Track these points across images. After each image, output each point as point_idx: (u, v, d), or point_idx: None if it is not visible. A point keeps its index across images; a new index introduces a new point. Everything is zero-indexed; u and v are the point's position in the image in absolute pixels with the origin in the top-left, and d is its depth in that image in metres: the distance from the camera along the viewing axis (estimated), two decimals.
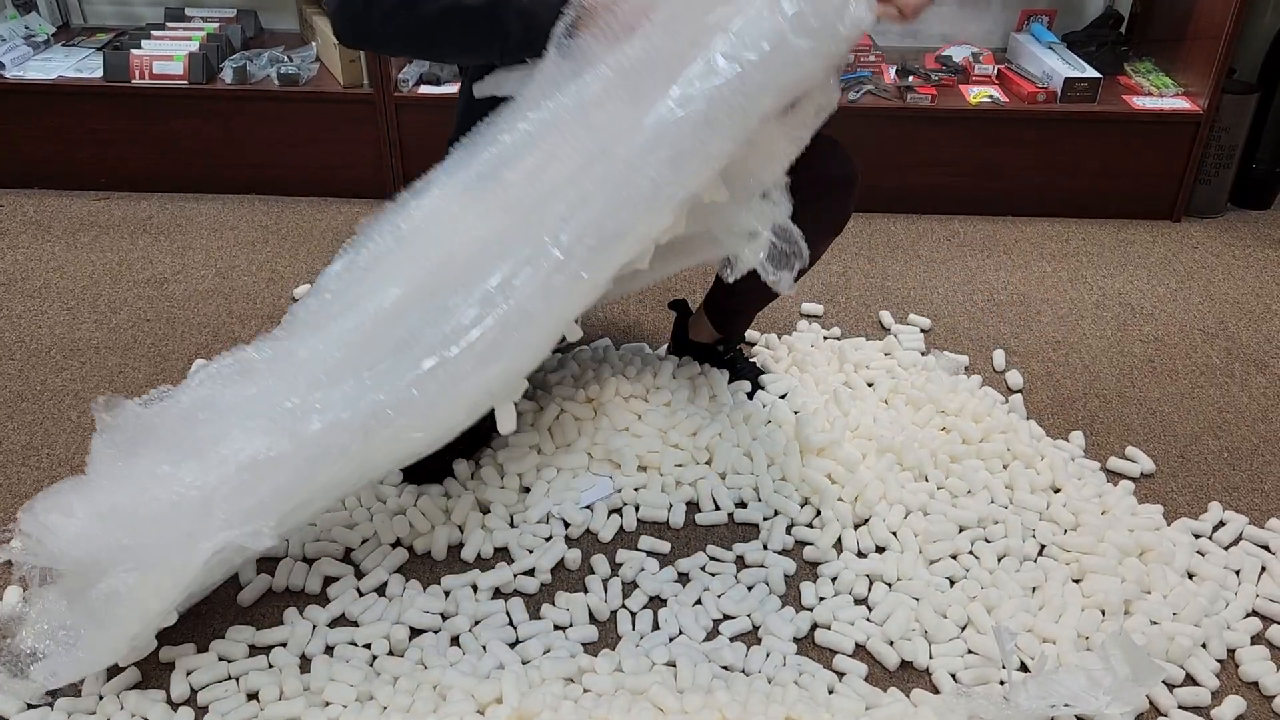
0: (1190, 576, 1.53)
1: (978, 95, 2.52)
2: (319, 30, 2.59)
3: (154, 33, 2.61)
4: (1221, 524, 1.64)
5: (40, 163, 2.56)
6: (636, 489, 1.64)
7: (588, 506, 1.60)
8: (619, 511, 1.62)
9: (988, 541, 1.56)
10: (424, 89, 2.49)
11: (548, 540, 1.55)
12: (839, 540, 1.57)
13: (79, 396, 1.87)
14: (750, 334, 2.06)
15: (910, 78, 2.56)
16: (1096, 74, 2.50)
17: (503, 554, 1.55)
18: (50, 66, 2.52)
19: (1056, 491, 1.68)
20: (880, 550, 1.56)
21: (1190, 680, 1.38)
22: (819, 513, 1.61)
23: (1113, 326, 2.17)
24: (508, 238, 1.27)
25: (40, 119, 2.50)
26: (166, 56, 2.46)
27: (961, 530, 1.58)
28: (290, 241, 2.41)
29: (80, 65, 2.53)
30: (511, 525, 1.58)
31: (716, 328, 1.86)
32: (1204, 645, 1.42)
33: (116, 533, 1.24)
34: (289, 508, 1.25)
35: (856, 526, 1.60)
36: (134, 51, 2.47)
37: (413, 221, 1.34)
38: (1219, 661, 1.41)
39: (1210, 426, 1.87)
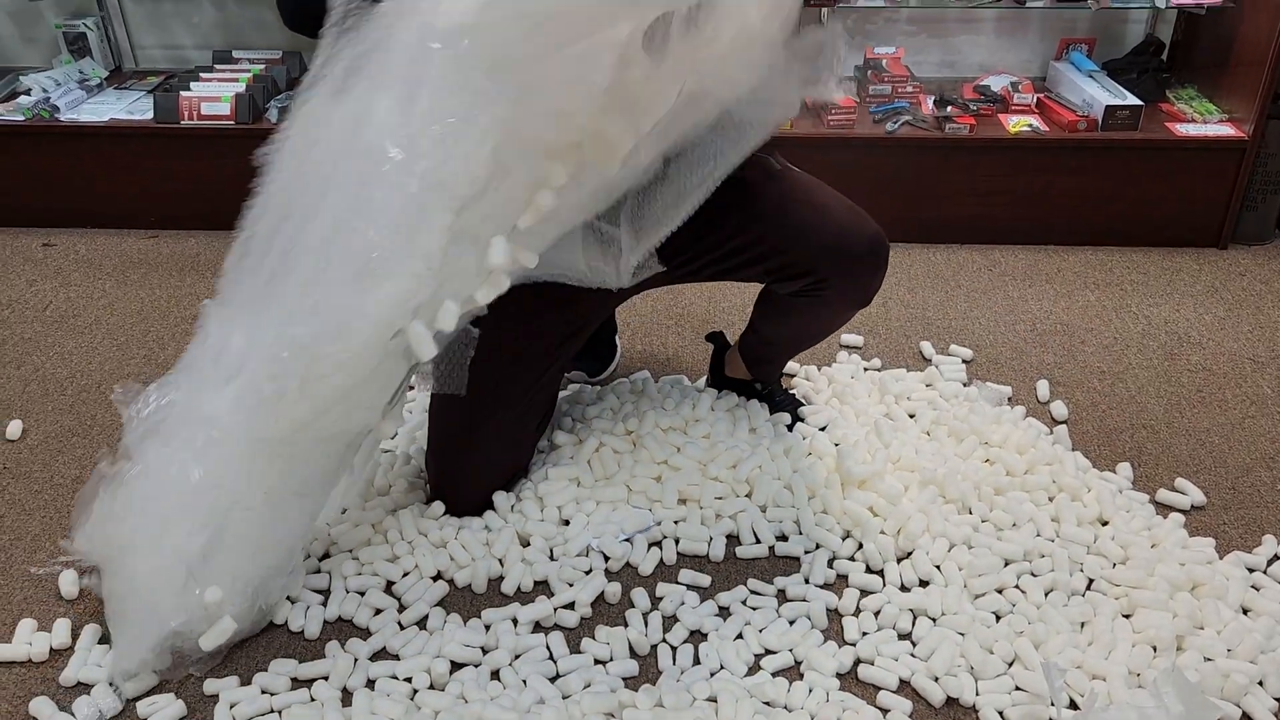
0: (1245, 612, 1.49)
1: (1017, 124, 2.51)
2: None
3: (202, 75, 2.68)
4: (1276, 557, 1.60)
5: (93, 203, 2.63)
6: (676, 522, 1.63)
7: (627, 540, 1.60)
8: (659, 545, 1.61)
9: (1034, 575, 1.54)
10: None
11: (588, 574, 1.55)
12: (882, 574, 1.55)
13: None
14: (790, 365, 2.05)
15: (949, 108, 2.55)
16: (1138, 101, 2.47)
17: (543, 587, 1.55)
18: (103, 109, 2.59)
19: (1104, 524, 1.64)
20: (924, 584, 1.54)
21: (1247, 719, 1.34)
22: (861, 546, 1.59)
23: (1159, 356, 2.13)
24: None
25: (93, 160, 2.57)
26: (214, 98, 2.53)
27: (1007, 564, 1.55)
28: None
29: (131, 107, 2.60)
30: (551, 558, 1.58)
31: (750, 371, 1.85)
32: (1260, 683, 1.38)
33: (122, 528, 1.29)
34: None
35: (899, 560, 1.58)
36: (183, 93, 2.54)
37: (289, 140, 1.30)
38: (1276, 700, 1.36)
39: (1263, 458, 1.83)
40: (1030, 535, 1.60)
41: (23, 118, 2.53)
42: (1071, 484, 1.69)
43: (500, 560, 1.57)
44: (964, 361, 2.10)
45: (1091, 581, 1.53)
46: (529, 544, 1.60)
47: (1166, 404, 1.98)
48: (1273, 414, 1.95)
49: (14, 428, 1.89)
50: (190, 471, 1.31)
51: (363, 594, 1.51)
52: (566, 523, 1.64)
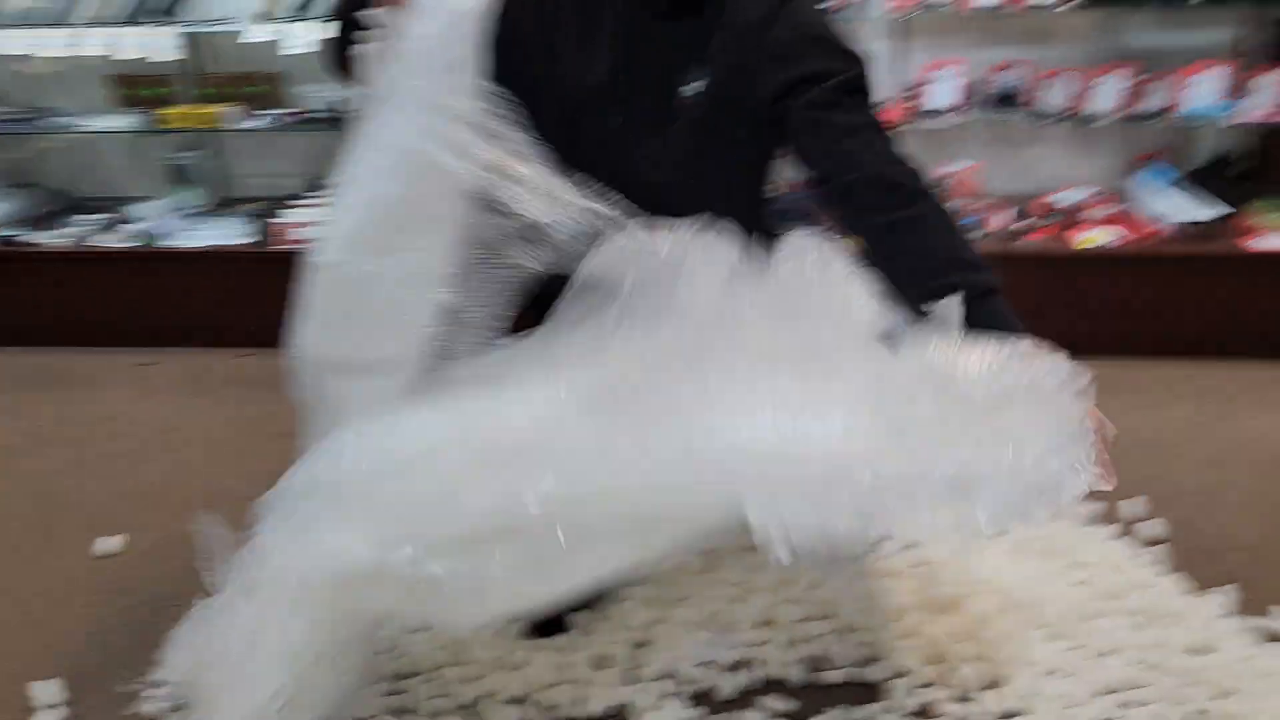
0: None
1: (1094, 238, 2.50)
2: None
3: (293, 202, 2.82)
4: None
5: (191, 323, 2.76)
6: (756, 645, 1.60)
7: (706, 663, 1.57)
8: (738, 669, 1.58)
9: (1136, 706, 1.47)
10: None
11: (666, 698, 1.53)
12: (971, 703, 1.50)
13: (222, 540, 1.95)
14: None
15: (1025, 221, 2.57)
16: (1214, 214, 2.46)
17: (621, 711, 1.53)
18: (203, 236, 2.74)
19: (1207, 653, 1.57)
20: (1014, 716, 1.48)
21: None
22: (947, 673, 1.54)
23: (1255, 475, 2.07)
24: None
25: (194, 282, 2.71)
26: (304, 223, 2.66)
27: (1104, 694, 1.49)
28: None
29: (229, 233, 2.75)
30: (630, 682, 1.56)
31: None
32: None
33: None
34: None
35: (988, 689, 1.53)
36: (279, 219, 2.68)
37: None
38: None
39: None
40: (1128, 663, 1.54)
41: (131, 245, 2.69)
42: (1170, 608, 1.63)
43: (579, 682, 1.56)
44: None
45: (1200, 715, 1.46)
46: (607, 666, 1.59)
47: (1266, 524, 1.91)
48: None
49: (113, 543, 1.96)
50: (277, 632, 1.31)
51: (439, 716, 1.51)
52: (644, 645, 1.63)
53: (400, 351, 1.37)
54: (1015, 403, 1.11)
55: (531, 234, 1.30)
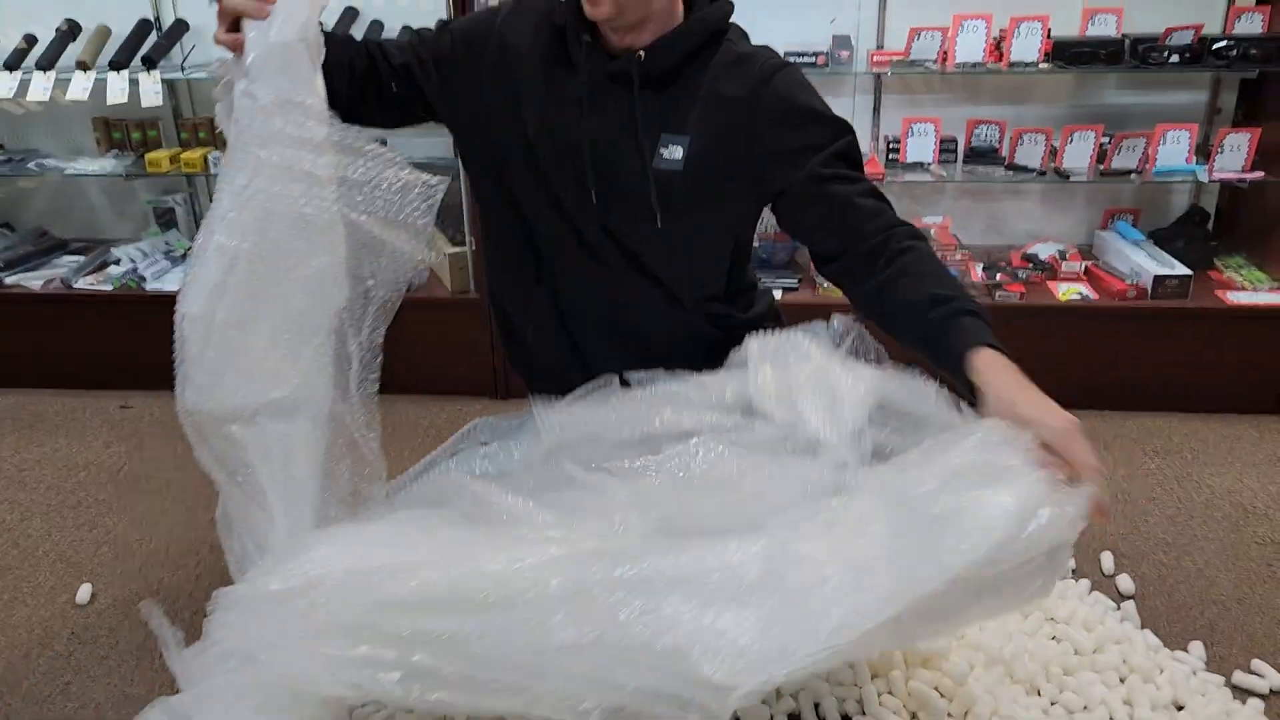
0: None
1: (1067, 292, 2.55)
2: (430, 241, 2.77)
3: None
4: None
5: (169, 366, 2.74)
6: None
7: None
8: None
9: None
10: None
11: None
12: None
13: (193, 597, 1.93)
14: None
15: (998, 275, 2.61)
16: (1186, 271, 2.51)
17: None
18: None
19: (1180, 709, 1.59)
20: None
21: None
22: None
23: (1225, 527, 2.10)
24: None
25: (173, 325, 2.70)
26: None
27: None
28: (396, 441, 2.50)
29: None
30: None
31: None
32: None
33: None
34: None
35: None
36: None
37: None
38: None
39: None
40: (1104, 719, 1.55)
41: (111, 287, 2.68)
42: (1143, 664, 1.65)
43: None
44: None
45: None
46: None
47: (1236, 579, 1.93)
48: None
49: (83, 592, 1.94)
50: None
51: None
52: None
53: (290, 394, 1.37)
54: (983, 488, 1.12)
55: (378, 244, 1.36)
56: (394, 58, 1.52)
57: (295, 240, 1.31)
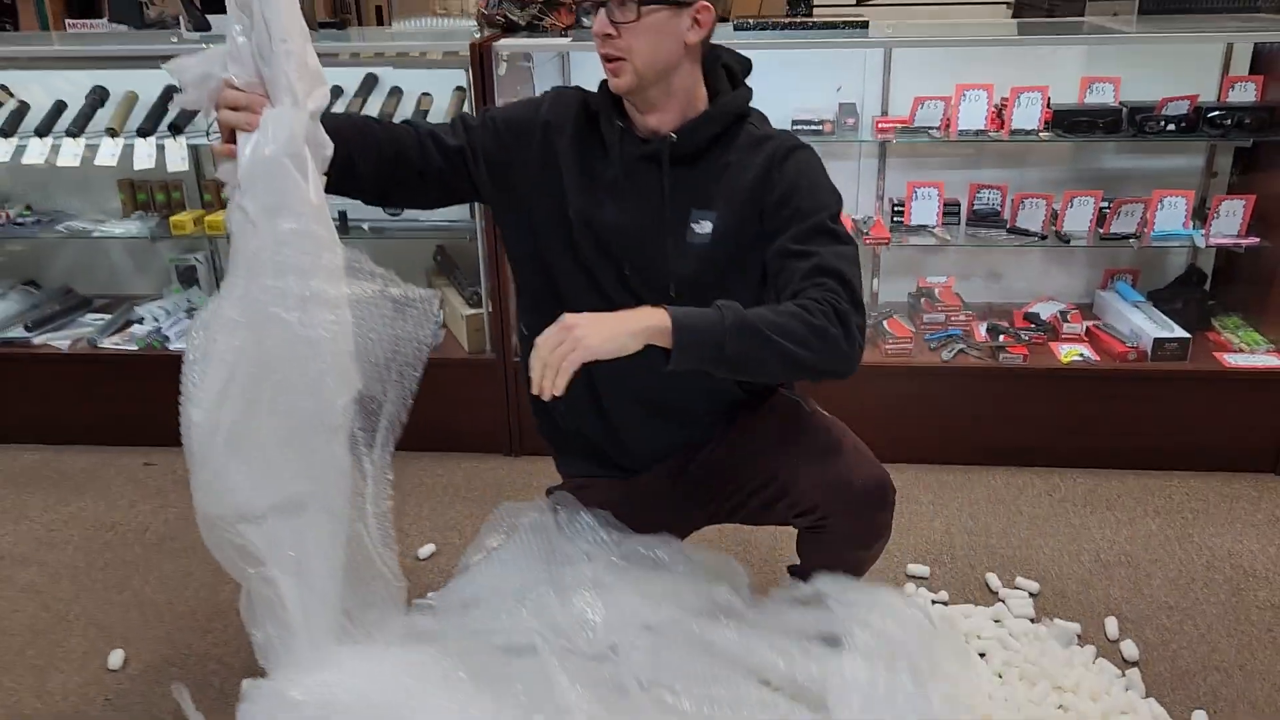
0: None
1: (1068, 354, 2.62)
2: (446, 299, 2.84)
3: None
4: None
5: None
6: None
7: None
8: None
9: None
10: None
11: None
12: None
13: (221, 662, 1.99)
14: None
15: (1001, 337, 2.68)
16: (1185, 334, 2.58)
17: None
18: None
19: None
20: None
21: None
22: None
23: (1226, 591, 2.15)
24: None
25: None
26: None
27: None
28: (415, 498, 2.56)
29: None
30: None
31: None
32: None
33: None
34: None
35: None
36: None
37: None
38: None
39: None
40: None
41: (136, 347, 2.75)
42: None
43: None
44: (1030, 595, 2.14)
45: None
46: None
47: (1238, 644, 1.99)
48: None
49: (115, 657, 1.99)
50: None
51: None
52: None
53: (301, 491, 1.44)
54: None
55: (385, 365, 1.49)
56: (447, 140, 1.62)
57: (294, 347, 1.38)
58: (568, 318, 1.37)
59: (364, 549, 1.55)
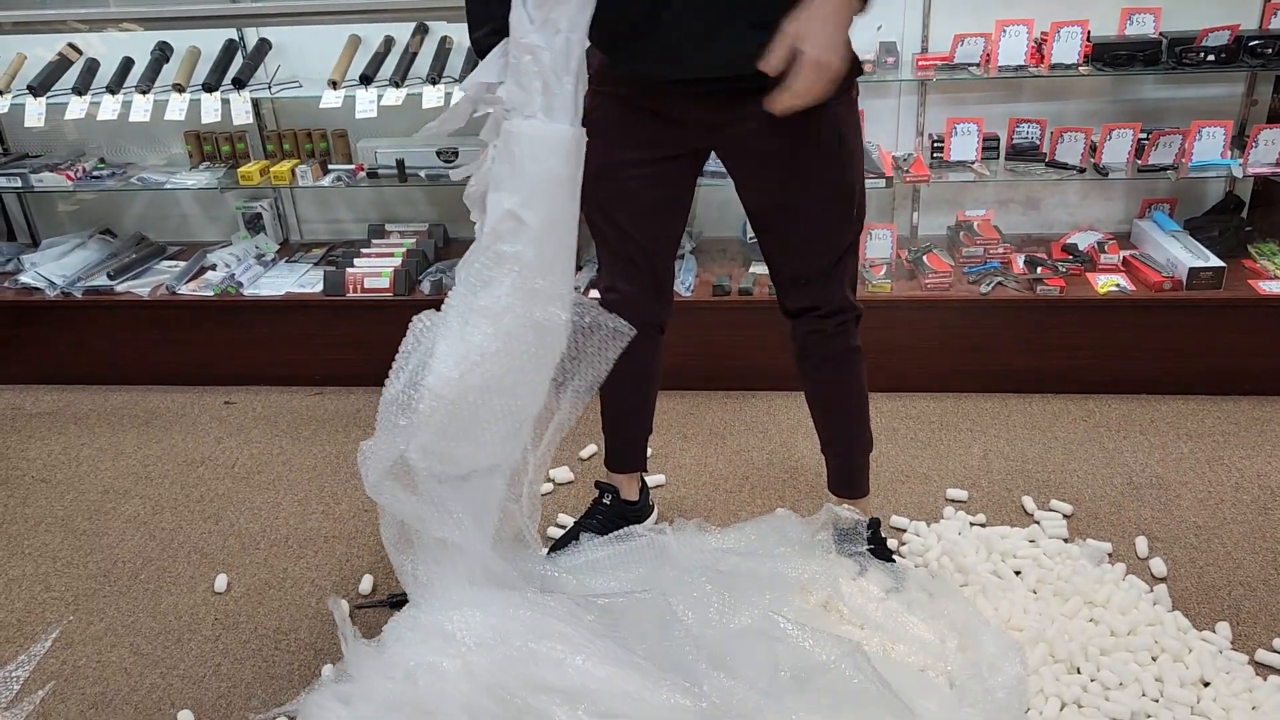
0: None
1: (1105, 285, 2.70)
2: None
3: (363, 250, 3.03)
4: None
5: (267, 364, 2.98)
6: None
7: None
8: None
9: None
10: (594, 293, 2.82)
11: None
12: None
13: (315, 584, 2.17)
14: (899, 520, 2.24)
15: (1039, 269, 2.76)
16: (1220, 263, 2.64)
17: None
18: (278, 283, 2.96)
19: (1206, 685, 1.78)
20: None
21: None
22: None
23: (1253, 510, 2.26)
24: None
25: (270, 328, 2.93)
26: (375, 273, 2.87)
27: None
28: None
29: (302, 280, 2.96)
30: None
31: (849, 494, 2.07)
32: None
33: None
34: None
35: None
36: (349, 270, 2.89)
37: None
38: None
39: None
40: (1136, 696, 1.74)
41: (212, 293, 2.91)
42: (1173, 645, 1.83)
43: None
44: (1064, 517, 2.26)
45: None
46: None
47: (1262, 561, 2.11)
48: None
49: (220, 581, 2.18)
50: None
51: None
52: None
53: (500, 459, 1.65)
54: None
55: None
56: None
57: (540, 339, 1.59)
58: (797, 31, 1.39)
59: (512, 518, 1.77)
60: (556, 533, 2.28)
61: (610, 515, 2.16)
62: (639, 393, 2.02)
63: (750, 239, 2.99)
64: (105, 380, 3.06)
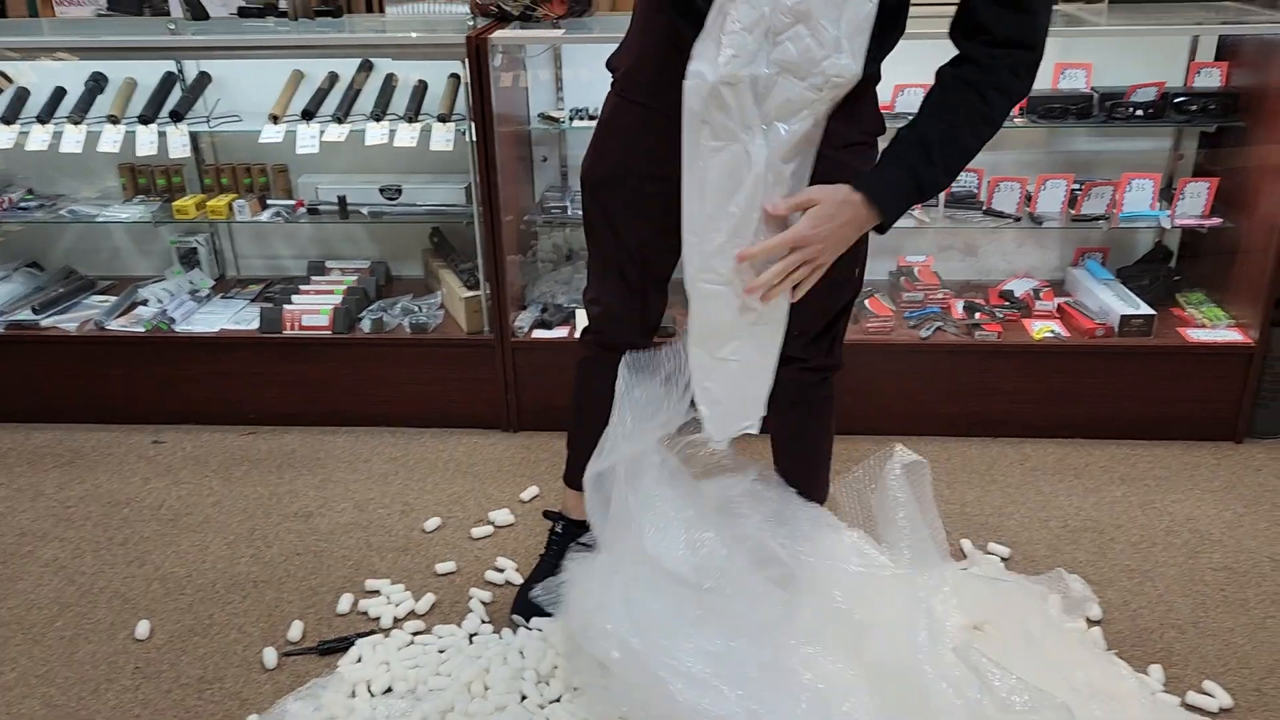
0: None
1: (1041, 330, 2.75)
2: (443, 281, 2.94)
3: (302, 287, 2.98)
4: None
5: (199, 402, 2.90)
6: None
7: None
8: None
9: None
10: (537, 333, 2.81)
11: None
12: None
13: (243, 631, 2.10)
14: None
15: (977, 314, 2.80)
16: (1150, 310, 2.71)
17: None
18: (213, 319, 2.89)
19: None
20: None
21: None
22: None
23: (1184, 554, 2.30)
24: None
25: (203, 365, 2.86)
26: (313, 310, 2.82)
27: None
28: (419, 473, 2.67)
29: (238, 317, 2.90)
30: None
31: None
32: None
33: None
34: None
35: None
36: (286, 307, 2.83)
37: None
38: None
39: None
40: None
41: (143, 329, 2.83)
42: (1110, 685, 1.84)
43: None
44: (1002, 560, 2.28)
45: None
46: None
47: (1192, 604, 2.14)
48: None
49: (142, 628, 2.10)
50: None
51: None
52: None
53: None
54: None
55: None
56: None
57: None
58: (805, 235, 1.48)
59: None
60: (494, 576, 2.24)
61: (564, 542, 2.15)
62: (607, 413, 1.96)
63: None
64: (27, 418, 2.96)
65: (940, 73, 1.53)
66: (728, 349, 1.66)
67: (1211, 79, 2.79)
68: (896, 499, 1.94)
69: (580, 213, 2.85)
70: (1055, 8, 2.84)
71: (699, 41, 1.48)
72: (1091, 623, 2.08)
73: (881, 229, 1.55)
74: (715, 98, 1.46)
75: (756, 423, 1.74)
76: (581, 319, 2.78)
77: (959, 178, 2.82)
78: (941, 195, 2.87)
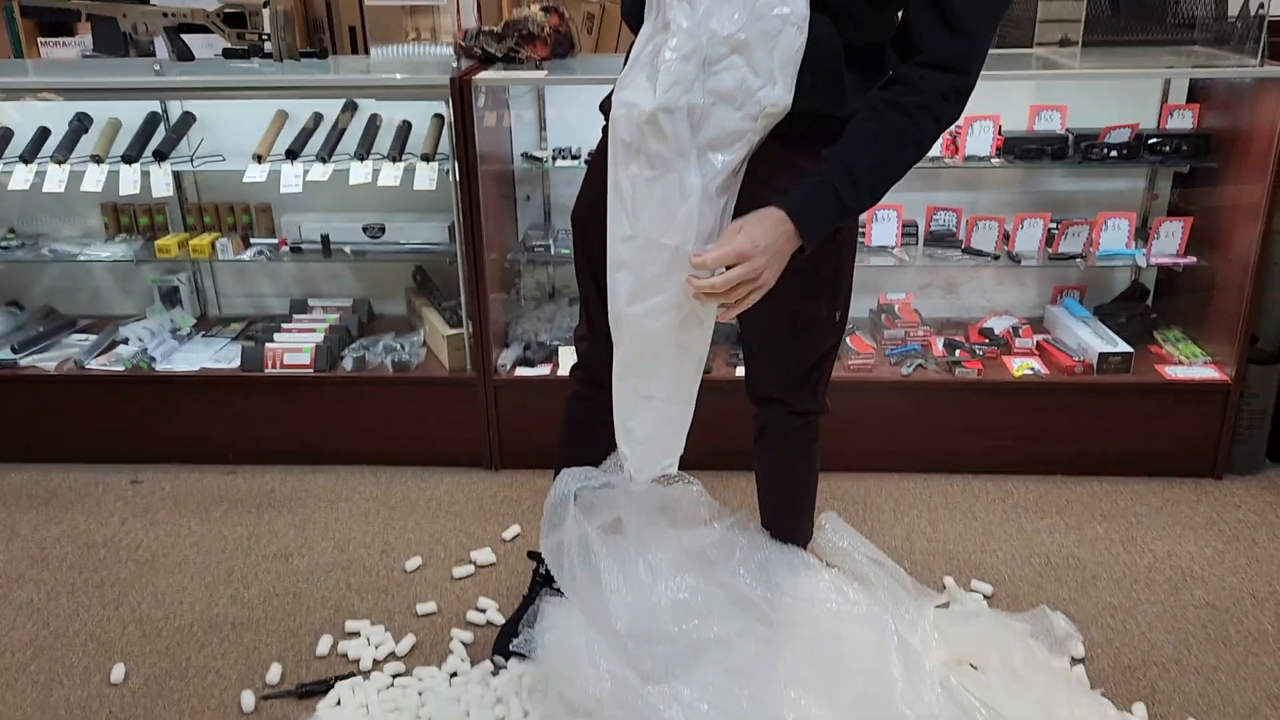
0: None
1: (1020, 368, 2.77)
2: (426, 319, 2.94)
3: (284, 325, 2.97)
4: None
5: (178, 442, 2.88)
6: None
7: None
8: None
9: None
10: (520, 371, 2.80)
11: None
12: None
13: (220, 674, 2.07)
14: None
15: (957, 352, 2.82)
16: (1128, 348, 2.74)
17: None
18: (193, 357, 2.88)
19: None
20: None
21: None
22: None
23: (1165, 591, 2.31)
24: None
25: (183, 404, 2.84)
26: (295, 349, 2.81)
27: None
28: (400, 512, 2.66)
29: (219, 355, 2.89)
30: None
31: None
32: None
33: None
34: None
35: None
36: (268, 345, 2.83)
37: None
38: None
39: (1268, 697, 1.98)
40: None
41: (123, 368, 2.82)
42: None
43: None
44: (985, 597, 2.28)
45: None
46: None
47: (1175, 641, 2.14)
48: (1274, 651, 2.11)
49: (117, 672, 2.07)
50: None
51: None
52: None
53: None
54: None
55: None
56: None
57: None
58: (746, 249, 1.43)
59: None
60: (475, 616, 2.22)
61: (547, 582, 2.13)
62: (594, 447, 1.94)
63: None
64: (3, 458, 2.93)
65: (869, 95, 1.53)
66: (653, 385, 1.66)
67: (1184, 121, 2.84)
68: (847, 549, 2.06)
69: (562, 251, 2.88)
70: (1031, 52, 2.90)
71: (625, 73, 1.50)
72: (1075, 661, 2.08)
73: (802, 249, 1.50)
74: (653, 124, 1.46)
75: (675, 463, 1.76)
76: (565, 356, 2.80)
77: (938, 218, 2.89)
78: (920, 233, 2.91)
